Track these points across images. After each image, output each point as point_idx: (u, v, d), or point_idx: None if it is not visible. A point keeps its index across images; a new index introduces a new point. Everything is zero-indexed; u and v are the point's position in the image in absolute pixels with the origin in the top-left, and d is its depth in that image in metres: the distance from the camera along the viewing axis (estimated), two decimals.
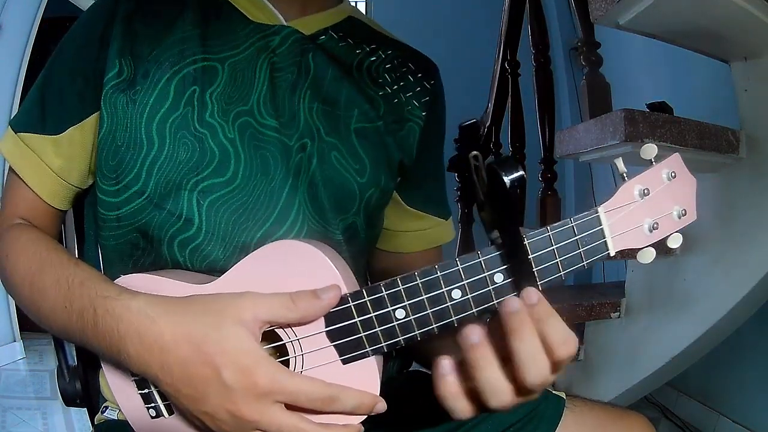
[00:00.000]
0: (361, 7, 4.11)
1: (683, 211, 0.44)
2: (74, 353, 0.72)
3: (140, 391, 0.52)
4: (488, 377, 0.41)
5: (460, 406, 0.43)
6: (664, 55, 2.16)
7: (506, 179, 0.39)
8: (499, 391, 0.42)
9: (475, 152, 0.42)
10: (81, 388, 0.71)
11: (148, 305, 0.46)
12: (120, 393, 0.54)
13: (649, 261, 0.44)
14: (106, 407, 0.64)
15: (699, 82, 1.89)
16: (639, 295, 1.46)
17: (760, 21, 1.06)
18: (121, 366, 0.49)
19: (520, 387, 0.42)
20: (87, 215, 0.66)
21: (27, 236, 0.58)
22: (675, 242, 0.44)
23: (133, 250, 0.59)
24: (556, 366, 0.42)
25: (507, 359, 0.42)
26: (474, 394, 0.42)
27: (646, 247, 0.44)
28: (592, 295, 1.53)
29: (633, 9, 1.07)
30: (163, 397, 0.52)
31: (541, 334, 0.41)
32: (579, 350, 1.57)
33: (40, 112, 0.60)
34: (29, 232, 0.59)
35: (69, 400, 0.71)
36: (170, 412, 0.52)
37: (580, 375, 1.60)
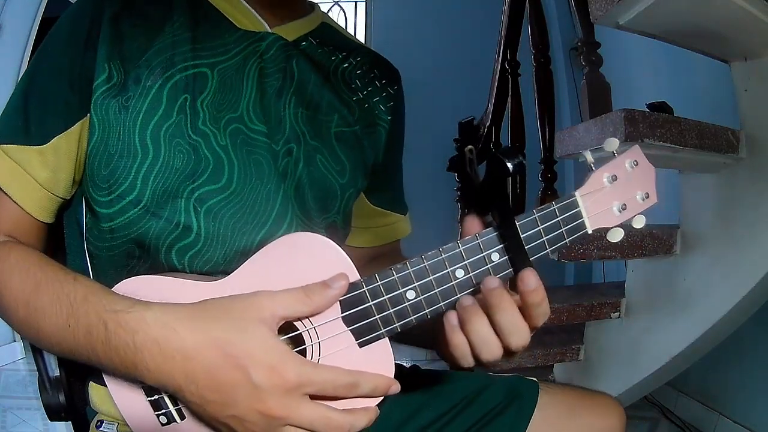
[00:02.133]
0: (362, 7, 4.11)
1: (646, 195, 0.51)
2: (55, 363, 0.66)
3: (149, 399, 0.51)
4: (479, 332, 0.47)
5: (466, 354, 0.48)
6: (664, 55, 2.16)
7: (509, 164, 0.45)
8: (490, 345, 0.47)
9: (469, 146, 0.45)
10: (65, 401, 0.65)
11: (165, 314, 0.45)
12: (124, 403, 0.52)
13: (618, 240, 0.50)
14: (101, 421, 0.60)
15: (699, 82, 1.89)
16: (639, 295, 1.46)
17: (760, 21, 1.06)
18: (136, 380, 0.48)
19: (505, 348, 0.48)
20: (69, 227, 0.63)
21: (17, 254, 0.54)
22: (639, 223, 0.51)
23: (128, 260, 0.57)
24: (534, 329, 0.48)
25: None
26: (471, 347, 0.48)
27: (616, 227, 0.50)
28: (592, 295, 1.53)
29: (633, 9, 1.07)
30: (174, 402, 0.50)
31: (520, 307, 0.47)
32: (579, 350, 1.57)
33: (24, 122, 0.56)
34: (18, 249, 0.55)
35: (53, 414, 0.65)
36: (182, 417, 0.51)
37: (580, 375, 1.60)
